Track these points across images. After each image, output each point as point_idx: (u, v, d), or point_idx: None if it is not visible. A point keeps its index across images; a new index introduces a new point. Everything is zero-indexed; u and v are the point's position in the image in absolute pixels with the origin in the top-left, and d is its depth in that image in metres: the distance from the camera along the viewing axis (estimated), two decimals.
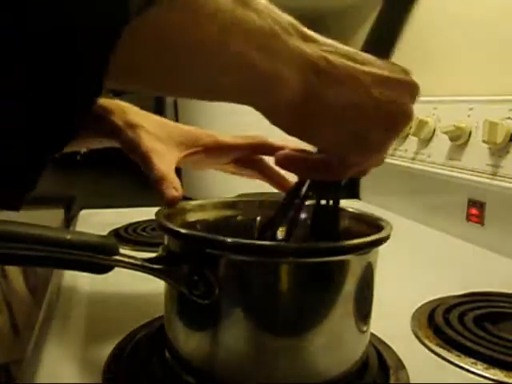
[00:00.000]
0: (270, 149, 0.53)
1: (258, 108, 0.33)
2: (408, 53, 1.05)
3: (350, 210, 0.44)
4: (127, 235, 0.76)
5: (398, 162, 0.95)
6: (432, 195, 0.91)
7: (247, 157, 0.55)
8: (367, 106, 0.33)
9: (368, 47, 1.09)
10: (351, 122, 0.33)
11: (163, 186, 0.47)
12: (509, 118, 0.71)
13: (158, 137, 0.53)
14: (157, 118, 0.55)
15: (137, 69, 0.28)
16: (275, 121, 0.33)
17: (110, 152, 0.64)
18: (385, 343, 0.43)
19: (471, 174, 0.77)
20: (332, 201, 0.40)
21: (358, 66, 0.33)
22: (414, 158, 0.91)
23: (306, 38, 0.32)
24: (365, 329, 0.37)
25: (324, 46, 0.33)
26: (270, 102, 0.32)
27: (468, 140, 0.78)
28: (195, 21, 0.27)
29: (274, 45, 0.30)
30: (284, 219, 0.40)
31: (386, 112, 0.33)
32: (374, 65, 0.34)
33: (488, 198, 0.77)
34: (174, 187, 0.47)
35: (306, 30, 0.33)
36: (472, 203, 0.81)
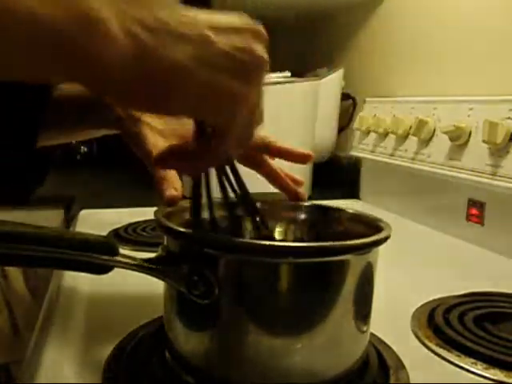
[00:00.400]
0: (272, 148, 0.53)
1: (77, 79, 0.29)
2: (408, 53, 1.05)
3: (349, 211, 0.44)
4: (127, 235, 0.76)
5: (398, 162, 0.95)
6: (432, 195, 0.91)
7: (248, 154, 0.55)
8: (215, 58, 0.31)
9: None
10: (201, 79, 0.30)
11: (163, 186, 0.47)
12: (509, 117, 0.71)
13: (161, 132, 0.53)
14: None
15: None
16: (108, 91, 0.30)
17: (109, 152, 0.64)
18: (385, 343, 0.43)
19: (471, 174, 0.77)
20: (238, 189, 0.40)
21: (191, 17, 0.31)
22: (413, 158, 0.91)
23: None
24: (365, 329, 0.37)
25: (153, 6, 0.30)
26: (95, 63, 0.28)
27: (468, 140, 0.78)
28: None
29: None
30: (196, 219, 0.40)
31: (235, 60, 0.31)
32: (209, 16, 0.32)
33: (488, 198, 0.77)
34: (173, 187, 0.47)
35: None
36: (472, 203, 0.81)
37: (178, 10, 0.31)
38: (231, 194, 0.41)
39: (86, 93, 0.53)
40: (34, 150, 0.52)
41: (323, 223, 0.45)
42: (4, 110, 0.51)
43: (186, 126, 0.53)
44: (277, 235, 0.46)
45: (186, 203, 0.44)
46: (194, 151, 0.36)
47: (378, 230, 0.37)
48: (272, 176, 0.52)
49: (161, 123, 0.53)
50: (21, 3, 0.25)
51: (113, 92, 0.30)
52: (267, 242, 0.33)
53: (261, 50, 0.32)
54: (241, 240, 0.33)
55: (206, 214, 0.40)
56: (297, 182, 0.51)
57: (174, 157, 0.37)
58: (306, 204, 0.47)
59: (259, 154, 0.53)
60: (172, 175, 0.49)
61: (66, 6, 0.26)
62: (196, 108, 0.32)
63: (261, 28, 0.33)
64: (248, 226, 0.42)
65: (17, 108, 0.51)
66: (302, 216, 0.46)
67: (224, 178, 0.40)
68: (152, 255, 0.36)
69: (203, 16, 0.32)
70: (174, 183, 0.47)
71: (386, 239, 0.35)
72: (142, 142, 0.51)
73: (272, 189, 0.53)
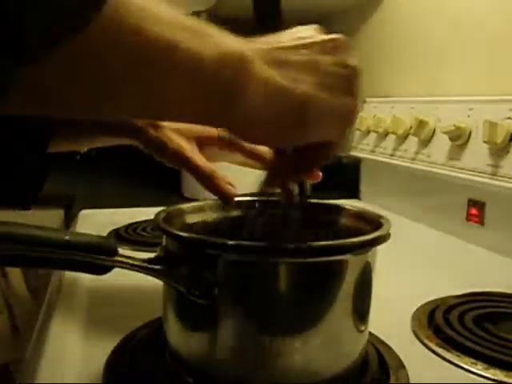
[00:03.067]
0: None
1: (223, 124, 0.32)
2: (408, 53, 1.05)
3: (349, 207, 0.44)
4: (127, 235, 0.77)
5: (398, 162, 0.95)
6: (432, 195, 0.91)
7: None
8: (326, 79, 0.32)
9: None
10: (326, 103, 0.32)
11: (220, 182, 0.47)
12: (509, 118, 0.71)
13: (180, 131, 0.53)
14: None
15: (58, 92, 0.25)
16: (249, 134, 0.32)
17: (109, 152, 0.64)
18: (385, 343, 0.43)
19: (471, 174, 0.77)
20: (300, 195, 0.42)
21: (284, 42, 0.32)
22: (413, 158, 0.91)
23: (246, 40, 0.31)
24: (363, 328, 0.37)
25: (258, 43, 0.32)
26: (235, 111, 0.30)
27: (468, 140, 0.78)
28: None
29: (214, 37, 0.29)
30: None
31: (341, 78, 0.33)
32: (293, 36, 0.33)
33: (488, 198, 0.77)
34: (227, 182, 0.48)
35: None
36: (472, 203, 0.81)
37: (269, 39, 0.33)
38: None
39: None
40: (44, 150, 0.52)
41: (324, 221, 0.45)
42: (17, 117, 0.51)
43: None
44: (277, 236, 0.46)
45: (185, 205, 0.44)
46: (301, 165, 0.37)
47: (379, 225, 0.37)
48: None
49: (176, 124, 0.53)
50: (185, 45, 0.27)
51: (257, 131, 0.32)
52: (265, 243, 0.33)
53: (352, 59, 0.34)
54: (239, 241, 0.33)
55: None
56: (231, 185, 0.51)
57: (283, 175, 0.39)
58: (305, 203, 0.48)
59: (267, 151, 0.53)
60: (217, 171, 0.49)
61: (219, 48, 0.28)
62: (326, 132, 0.33)
63: (341, 36, 0.34)
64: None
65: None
66: (302, 215, 0.46)
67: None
68: (152, 255, 0.36)
69: (287, 37, 0.33)
70: (225, 178, 0.48)
71: (385, 237, 0.35)
72: (164, 145, 0.52)
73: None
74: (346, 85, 0.33)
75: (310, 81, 0.31)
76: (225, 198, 0.46)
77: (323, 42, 0.33)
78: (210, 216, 0.45)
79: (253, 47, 0.31)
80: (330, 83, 0.32)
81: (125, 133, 0.54)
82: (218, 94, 0.29)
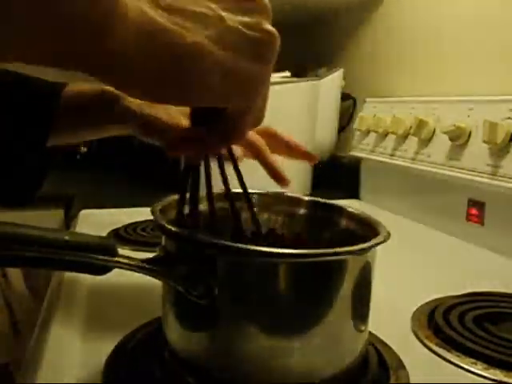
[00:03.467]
0: (276, 138, 0.53)
1: (84, 60, 0.25)
2: (408, 53, 1.05)
3: (348, 209, 0.44)
4: (127, 235, 0.76)
5: (398, 162, 0.95)
6: (432, 195, 0.91)
7: (249, 141, 0.54)
8: (229, 37, 0.28)
9: None
10: (223, 60, 0.28)
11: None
12: (509, 118, 0.71)
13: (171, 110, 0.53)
14: None
15: None
16: (123, 78, 0.27)
17: (109, 152, 0.64)
18: (385, 343, 0.43)
19: (471, 174, 0.77)
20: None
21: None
22: (414, 158, 0.91)
23: None
24: (363, 328, 0.37)
25: None
26: (107, 38, 0.25)
27: (468, 140, 0.79)
28: None
29: None
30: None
31: (248, 39, 0.29)
32: None
33: (488, 198, 0.77)
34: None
35: None
36: (472, 203, 0.81)
37: None
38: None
39: (95, 91, 0.53)
40: (43, 149, 0.52)
41: (322, 219, 0.45)
42: (14, 109, 0.51)
43: None
44: (276, 230, 0.46)
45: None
46: (209, 135, 0.34)
47: (375, 229, 0.37)
48: (268, 164, 0.52)
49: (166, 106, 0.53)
50: None
51: (130, 80, 0.27)
52: (264, 249, 0.32)
53: (269, 25, 0.30)
54: (239, 244, 0.32)
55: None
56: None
57: (185, 143, 0.36)
58: (307, 199, 0.48)
59: (260, 143, 0.52)
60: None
61: None
62: (219, 95, 0.30)
63: (265, 2, 0.31)
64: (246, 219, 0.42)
65: (27, 108, 0.52)
66: (302, 211, 0.47)
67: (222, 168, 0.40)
68: (152, 255, 0.36)
69: None
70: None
71: (384, 241, 0.36)
72: (163, 124, 0.51)
73: (271, 188, 0.53)
74: (255, 49, 0.29)
75: (205, 33, 0.27)
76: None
77: (241, 2, 0.30)
78: (207, 207, 0.45)
79: None
80: (232, 42, 0.29)
81: (119, 119, 0.54)
82: (75, 32, 0.24)
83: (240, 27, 0.29)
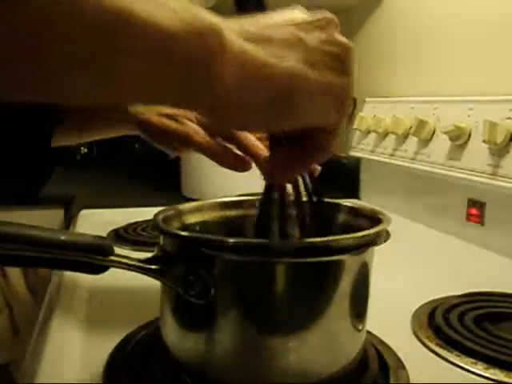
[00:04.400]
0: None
1: (192, 98, 0.27)
2: (408, 53, 1.05)
3: (349, 204, 0.44)
4: (127, 235, 0.76)
5: (398, 162, 0.95)
6: (432, 195, 0.91)
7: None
8: (314, 57, 0.30)
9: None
10: (317, 80, 0.29)
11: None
12: (509, 118, 0.71)
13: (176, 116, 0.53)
14: None
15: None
16: (226, 111, 0.28)
17: (109, 152, 0.64)
18: (385, 343, 0.43)
19: (471, 174, 0.77)
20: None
21: (270, 21, 0.30)
22: (413, 158, 0.91)
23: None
24: (360, 327, 0.37)
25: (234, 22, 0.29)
26: (212, 77, 0.26)
27: (468, 140, 0.78)
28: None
29: (182, 8, 0.25)
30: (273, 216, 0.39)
31: (330, 55, 0.30)
32: (281, 16, 0.31)
33: (488, 198, 0.77)
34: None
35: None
36: (472, 203, 0.81)
37: (257, 19, 0.31)
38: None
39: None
40: (48, 149, 0.52)
41: (323, 220, 0.45)
42: (19, 111, 0.51)
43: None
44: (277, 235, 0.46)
45: (183, 205, 0.44)
46: (301, 157, 0.34)
47: (379, 222, 0.37)
48: (251, 149, 0.52)
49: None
50: (140, 8, 0.23)
51: (232, 110, 0.28)
52: (262, 242, 0.33)
53: (341, 37, 0.32)
54: (235, 240, 0.32)
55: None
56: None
57: (285, 170, 0.35)
58: (305, 201, 0.47)
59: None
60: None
61: (183, 16, 0.25)
62: (319, 114, 0.31)
63: (330, 15, 0.32)
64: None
65: (32, 109, 0.52)
66: (302, 213, 0.46)
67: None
68: (151, 255, 0.36)
69: (277, 17, 0.31)
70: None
71: (384, 236, 0.35)
72: (172, 130, 0.51)
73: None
74: (337, 63, 0.31)
75: (297, 57, 0.29)
76: (238, 167, 0.45)
77: (311, 20, 0.31)
78: (210, 216, 0.45)
79: (230, 23, 0.28)
80: (318, 61, 0.30)
81: (124, 123, 0.54)
82: (185, 74, 0.26)
83: (319, 45, 0.30)
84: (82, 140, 0.60)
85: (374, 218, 0.39)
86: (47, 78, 0.23)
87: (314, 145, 0.33)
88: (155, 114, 0.53)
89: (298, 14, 0.32)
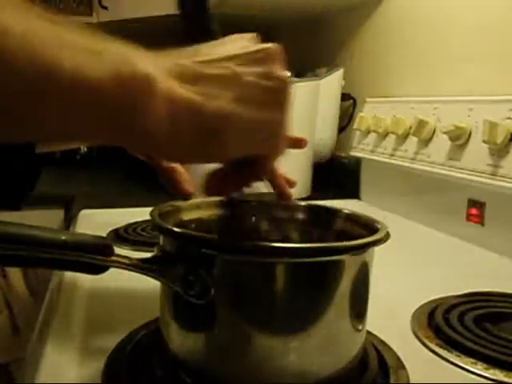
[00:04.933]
0: None
1: (123, 140, 0.30)
2: (408, 53, 1.05)
3: (345, 211, 0.44)
4: (127, 235, 0.76)
5: (398, 162, 0.95)
6: (432, 195, 0.91)
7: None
8: (247, 93, 0.31)
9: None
10: (246, 118, 0.30)
11: (179, 178, 0.48)
12: (509, 118, 0.71)
13: None
14: None
15: None
16: (158, 149, 0.31)
17: (109, 152, 0.64)
18: (385, 343, 0.43)
19: (471, 174, 0.77)
20: None
21: (209, 54, 0.31)
22: (413, 158, 0.91)
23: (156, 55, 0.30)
24: (360, 327, 0.37)
25: (172, 56, 0.30)
26: (142, 122, 0.27)
27: (468, 140, 0.78)
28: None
29: (108, 50, 0.26)
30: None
31: (264, 90, 0.31)
32: (222, 47, 0.32)
33: (488, 198, 0.77)
34: (187, 180, 0.48)
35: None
36: (472, 203, 0.81)
37: (195, 51, 0.32)
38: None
39: None
40: (32, 155, 0.52)
41: (320, 223, 0.45)
42: None
43: None
44: (273, 236, 0.46)
45: (182, 202, 0.44)
46: (241, 175, 0.38)
47: (375, 229, 0.37)
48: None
49: None
50: (66, 60, 0.24)
51: (164, 149, 0.30)
52: (263, 243, 0.33)
53: (280, 70, 0.32)
54: (236, 240, 0.32)
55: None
56: (290, 183, 0.51)
57: (223, 185, 0.39)
58: (303, 204, 0.47)
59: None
60: (180, 167, 0.49)
61: (110, 64, 0.26)
62: (249, 147, 0.32)
63: (272, 46, 0.33)
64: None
65: None
66: (299, 216, 0.46)
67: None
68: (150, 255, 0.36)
69: (218, 49, 0.32)
70: (186, 175, 0.48)
71: (383, 240, 0.35)
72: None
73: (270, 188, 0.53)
74: (272, 97, 0.32)
75: (228, 95, 0.30)
76: (184, 194, 0.46)
77: (251, 52, 0.32)
78: (207, 214, 0.45)
79: (162, 60, 0.29)
80: (251, 96, 0.31)
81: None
82: (114, 118, 0.27)
83: (255, 79, 0.31)
84: (68, 146, 0.60)
85: (370, 227, 0.39)
86: None
87: (257, 166, 0.36)
88: None
89: (242, 43, 0.33)
